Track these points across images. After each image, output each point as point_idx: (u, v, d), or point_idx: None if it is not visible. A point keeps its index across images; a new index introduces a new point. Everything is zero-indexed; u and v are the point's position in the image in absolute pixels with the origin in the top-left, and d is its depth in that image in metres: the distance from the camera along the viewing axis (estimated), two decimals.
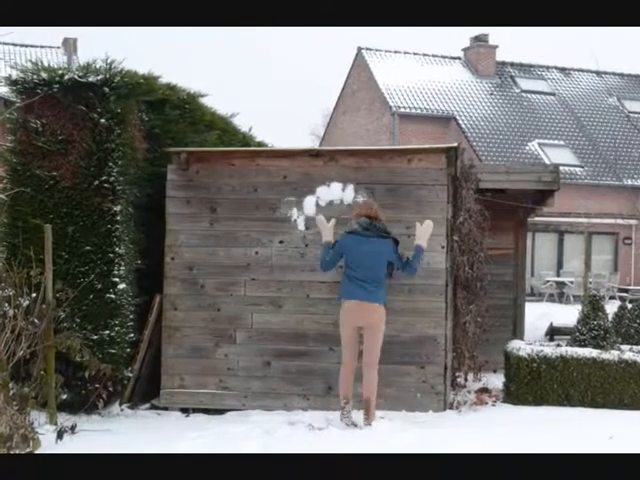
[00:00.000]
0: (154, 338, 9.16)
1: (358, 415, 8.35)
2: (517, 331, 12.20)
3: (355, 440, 7.64)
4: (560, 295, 26.88)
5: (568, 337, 11.23)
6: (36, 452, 6.65)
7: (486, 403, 9.64)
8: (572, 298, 25.98)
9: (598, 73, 36.80)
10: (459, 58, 35.74)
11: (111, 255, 8.64)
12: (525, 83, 34.67)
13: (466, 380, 10.29)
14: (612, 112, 34.35)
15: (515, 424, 8.60)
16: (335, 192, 9.03)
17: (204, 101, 10.76)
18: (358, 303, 8.17)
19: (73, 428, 7.54)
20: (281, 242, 9.09)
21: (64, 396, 8.19)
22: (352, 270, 8.23)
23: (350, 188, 9.01)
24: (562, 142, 32.05)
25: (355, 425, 8.19)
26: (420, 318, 8.94)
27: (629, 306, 14.24)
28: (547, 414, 9.10)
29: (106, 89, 8.61)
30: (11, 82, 8.82)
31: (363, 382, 8.31)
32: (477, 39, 35.01)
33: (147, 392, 9.22)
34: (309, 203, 9.04)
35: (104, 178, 8.60)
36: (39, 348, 7.91)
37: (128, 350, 8.82)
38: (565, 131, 32.66)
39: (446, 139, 26.56)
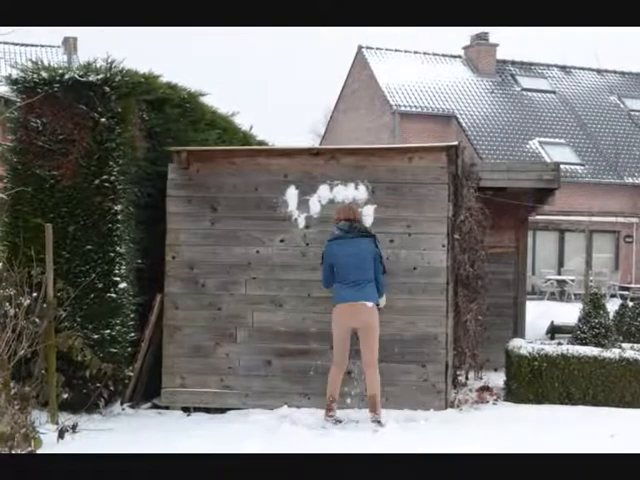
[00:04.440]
0: (155, 337, 9.16)
1: (362, 413, 8.40)
2: (518, 329, 12.20)
3: (356, 439, 7.65)
4: (561, 293, 26.90)
5: (569, 335, 11.24)
6: (37, 451, 6.65)
7: (487, 402, 9.64)
8: (573, 296, 26.01)
9: (599, 71, 36.81)
10: (460, 56, 35.74)
11: (112, 254, 8.64)
12: (526, 81, 34.68)
13: (467, 378, 10.30)
14: (613, 110, 34.35)
15: (516, 423, 8.60)
16: (336, 191, 9.03)
17: (205, 100, 10.77)
18: (350, 305, 8.34)
19: (74, 427, 7.53)
20: (282, 241, 9.09)
21: (65, 395, 8.20)
22: (341, 274, 8.42)
23: (351, 187, 9.01)
24: (563, 140, 32.06)
25: (340, 422, 8.31)
26: (421, 317, 8.93)
27: (630, 304, 14.26)
28: (548, 413, 9.10)
29: (106, 88, 8.61)
30: (11, 81, 8.81)
31: (367, 380, 8.42)
32: (478, 37, 35.02)
33: (148, 391, 9.22)
34: None
35: (105, 177, 8.60)
36: (40, 347, 7.91)
37: (129, 349, 8.82)
38: (566, 129, 32.67)
39: (447, 137, 26.56)
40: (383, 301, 8.67)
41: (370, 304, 8.34)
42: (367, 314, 8.34)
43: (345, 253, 8.40)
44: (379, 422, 8.23)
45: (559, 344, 10.21)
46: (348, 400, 8.81)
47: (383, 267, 8.51)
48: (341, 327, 8.42)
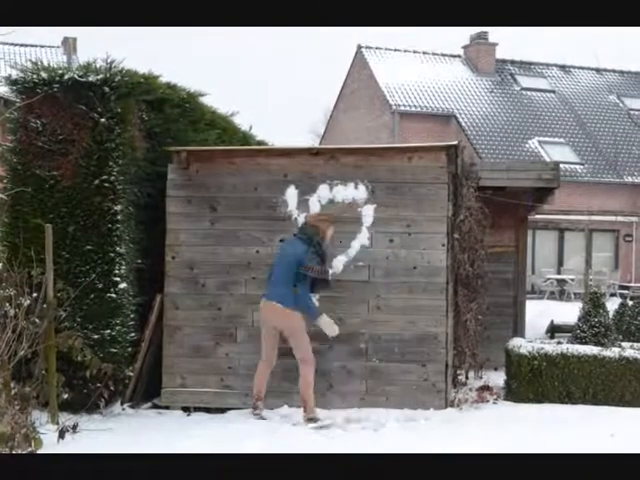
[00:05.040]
0: (155, 337, 9.16)
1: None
2: (518, 329, 12.20)
3: (356, 439, 7.65)
4: (561, 293, 26.90)
5: (569, 334, 11.24)
6: (38, 452, 6.66)
7: (487, 401, 9.64)
8: (573, 295, 26.00)
9: (598, 70, 36.81)
10: (459, 56, 35.73)
11: (112, 254, 8.64)
12: (525, 81, 34.68)
13: (467, 378, 10.30)
14: (612, 109, 34.35)
15: (516, 422, 8.60)
16: (336, 190, 9.03)
17: (204, 100, 10.77)
18: (264, 303, 8.50)
19: (75, 427, 7.52)
20: (282, 240, 9.08)
21: (65, 396, 8.19)
22: (271, 272, 8.60)
23: (351, 186, 9.01)
24: (562, 140, 32.06)
25: (265, 419, 8.38)
26: (421, 316, 8.94)
27: (630, 303, 14.24)
28: (548, 412, 9.10)
29: (106, 88, 8.61)
30: (11, 82, 8.81)
31: (299, 379, 8.48)
32: (477, 37, 35.02)
33: (148, 391, 9.22)
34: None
35: (104, 177, 8.59)
36: (40, 348, 7.91)
37: (129, 349, 8.82)
38: (565, 129, 32.67)
39: (446, 137, 26.54)
40: (325, 325, 8.48)
41: (281, 306, 8.31)
42: (280, 317, 8.37)
43: (279, 252, 8.64)
44: (311, 419, 8.26)
45: (559, 343, 10.21)
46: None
47: (308, 275, 8.28)
48: (263, 324, 8.58)
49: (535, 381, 9.61)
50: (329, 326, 8.51)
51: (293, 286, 8.32)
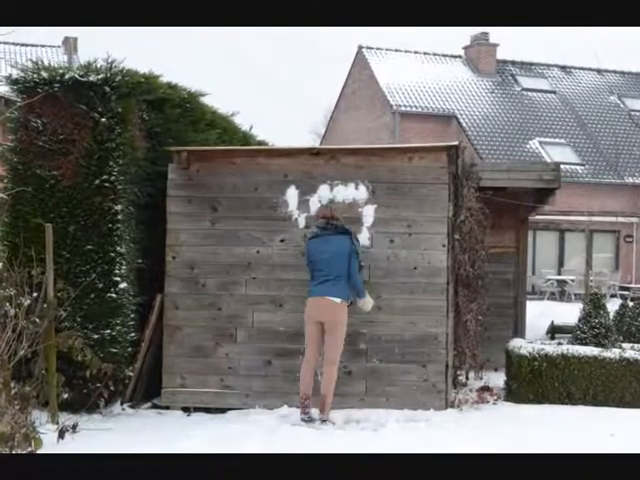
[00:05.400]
0: (155, 337, 9.16)
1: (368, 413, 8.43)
2: (518, 329, 12.20)
3: (356, 439, 7.65)
4: (561, 293, 26.89)
5: (569, 335, 11.24)
6: (38, 451, 6.65)
7: (487, 402, 9.64)
8: (573, 296, 25.99)
9: (599, 71, 36.82)
10: (460, 56, 35.74)
11: (112, 254, 8.64)
12: (526, 81, 34.68)
13: (467, 378, 10.29)
14: (613, 110, 34.35)
15: (516, 423, 8.61)
16: (336, 191, 9.03)
17: (205, 100, 10.76)
18: (317, 299, 8.46)
19: (74, 427, 7.52)
20: (282, 241, 9.09)
21: (65, 395, 8.19)
22: (314, 271, 8.58)
23: (351, 187, 9.01)
24: (563, 140, 32.06)
25: (313, 421, 8.30)
26: (421, 317, 8.93)
27: (630, 304, 14.25)
28: (548, 412, 9.10)
29: (107, 88, 8.61)
30: (12, 81, 8.81)
31: (323, 377, 8.45)
32: (478, 38, 35.02)
33: (148, 391, 9.22)
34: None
35: (105, 177, 8.59)
36: (40, 347, 7.91)
37: (129, 349, 8.82)
38: (566, 129, 32.67)
39: (447, 137, 26.53)
40: (366, 303, 8.70)
41: (337, 300, 8.40)
42: (331, 309, 8.41)
43: (318, 250, 8.55)
44: (325, 421, 8.27)
45: (559, 344, 10.21)
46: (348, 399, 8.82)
47: (359, 263, 8.56)
48: (309, 321, 8.53)
49: (535, 382, 9.61)
50: (369, 304, 8.70)
51: (350, 277, 8.45)
